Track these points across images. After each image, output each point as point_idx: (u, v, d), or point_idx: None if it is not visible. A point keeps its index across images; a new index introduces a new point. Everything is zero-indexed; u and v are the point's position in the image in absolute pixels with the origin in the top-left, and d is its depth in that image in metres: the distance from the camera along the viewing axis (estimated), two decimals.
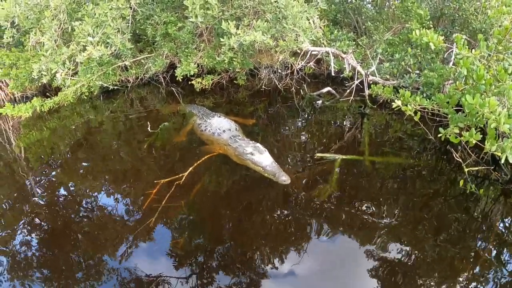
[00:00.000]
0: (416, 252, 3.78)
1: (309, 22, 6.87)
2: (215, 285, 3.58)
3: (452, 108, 4.46)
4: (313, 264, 3.74)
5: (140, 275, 3.79)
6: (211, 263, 3.82)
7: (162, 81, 10.09)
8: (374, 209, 4.37)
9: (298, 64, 8.11)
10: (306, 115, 7.44)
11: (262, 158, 5.03)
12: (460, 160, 4.66)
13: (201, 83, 8.59)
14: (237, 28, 6.29)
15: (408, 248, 3.81)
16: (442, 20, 7.79)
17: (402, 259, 3.71)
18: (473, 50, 4.54)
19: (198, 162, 5.36)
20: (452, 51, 6.12)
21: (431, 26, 6.68)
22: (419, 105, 4.78)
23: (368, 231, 4.06)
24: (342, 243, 3.96)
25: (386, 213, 4.32)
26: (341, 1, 9.63)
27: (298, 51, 7.42)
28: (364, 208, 4.40)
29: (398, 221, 4.18)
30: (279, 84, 8.52)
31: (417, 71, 6.61)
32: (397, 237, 3.95)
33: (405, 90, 4.92)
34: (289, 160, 5.64)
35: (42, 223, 4.89)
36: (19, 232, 4.74)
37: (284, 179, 4.64)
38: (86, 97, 9.20)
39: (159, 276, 3.75)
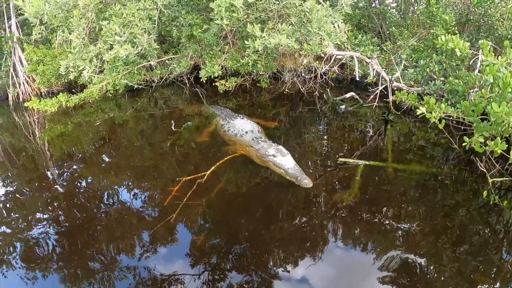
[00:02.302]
0: (435, 263, 3.70)
1: (334, 26, 6.86)
2: (229, 284, 3.61)
3: (477, 116, 4.40)
4: (330, 271, 3.73)
5: (157, 270, 3.86)
6: (227, 263, 3.86)
7: (186, 82, 10.22)
8: (394, 217, 4.32)
9: (322, 68, 8.11)
10: (328, 120, 7.43)
11: (284, 161, 5.04)
12: (485, 170, 4.56)
13: (224, 85, 8.67)
14: (262, 31, 6.33)
15: (427, 259, 3.74)
16: (468, 26, 7.70)
17: (421, 270, 3.64)
18: (499, 57, 4.48)
19: (220, 161, 5.43)
20: (478, 58, 6.03)
21: (456, 32, 6.61)
22: (443, 112, 4.72)
23: (387, 240, 4.02)
24: (360, 251, 3.92)
25: (407, 222, 4.26)
26: (365, 5, 9.61)
27: (322, 55, 7.43)
28: (384, 216, 4.36)
29: (419, 230, 4.12)
30: (302, 88, 8.53)
31: (442, 78, 6.51)
32: (417, 247, 3.89)
33: (430, 97, 4.87)
34: (311, 164, 5.63)
35: (61, 215, 5.02)
36: (37, 222, 4.88)
37: (306, 182, 4.62)
38: (111, 95, 9.39)
39: (175, 271, 3.81)
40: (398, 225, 4.18)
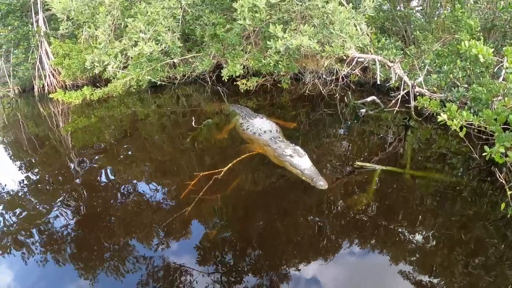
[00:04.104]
0: (448, 275, 3.62)
1: (356, 29, 6.83)
2: (237, 282, 3.62)
3: (500, 126, 4.31)
4: (340, 276, 3.69)
5: (170, 260, 3.95)
6: (237, 260, 3.89)
7: (208, 80, 10.36)
8: (409, 225, 4.26)
9: (344, 70, 8.07)
10: (348, 123, 7.39)
11: (301, 161, 5.06)
12: (504, 182, 4.43)
13: (246, 84, 8.76)
14: (284, 32, 6.34)
15: (440, 270, 3.67)
16: (493, 32, 7.53)
17: (434, 281, 3.56)
18: None
19: (238, 159, 5.49)
20: (503, 65, 5.90)
21: (481, 37, 6.46)
22: (465, 120, 4.65)
23: (400, 249, 3.96)
24: (372, 258, 3.87)
25: (421, 231, 4.19)
26: (389, 8, 9.52)
27: (344, 57, 7.39)
28: (399, 223, 4.30)
29: (433, 241, 4.04)
30: (323, 90, 8.51)
31: (466, 85, 6.36)
32: (430, 258, 3.81)
33: (452, 104, 4.80)
34: (328, 166, 5.62)
35: (80, 204, 5.18)
36: (56, 209, 5.04)
37: (322, 183, 4.62)
38: (134, 90, 9.59)
39: (185, 263, 3.88)
40: (412, 234, 4.12)
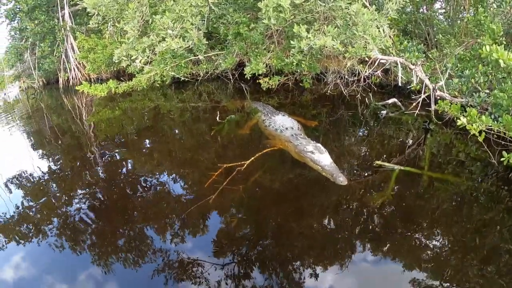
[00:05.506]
0: (461, 279, 3.57)
1: (379, 31, 6.89)
2: (247, 278, 3.65)
3: None
4: (351, 278, 3.66)
5: (190, 245, 4.09)
6: (250, 256, 3.94)
7: (231, 77, 10.53)
8: (424, 229, 4.24)
9: (366, 71, 8.13)
10: (369, 125, 7.42)
11: (321, 158, 5.20)
12: None
13: (268, 82, 8.90)
14: (308, 32, 6.45)
15: (453, 274, 3.61)
16: None
17: (445, 285, 3.52)
18: None
19: (260, 153, 5.67)
20: None
21: (504, 42, 6.42)
22: (485, 125, 4.67)
23: (414, 253, 3.92)
24: (385, 259, 3.84)
25: (437, 235, 4.16)
26: (412, 11, 9.50)
27: (367, 58, 7.47)
28: (414, 226, 4.30)
29: (448, 245, 4.02)
30: (344, 90, 8.58)
31: (487, 91, 6.29)
32: (444, 263, 3.77)
33: (472, 109, 4.83)
34: (347, 166, 5.70)
35: (99, 193, 5.36)
36: (76, 198, 5.23)
37: (342, 180, 4.74)
38: (158, 85, 9.81)
39: (197, 256, 3.94)
40: (427, 238, 4.11)
